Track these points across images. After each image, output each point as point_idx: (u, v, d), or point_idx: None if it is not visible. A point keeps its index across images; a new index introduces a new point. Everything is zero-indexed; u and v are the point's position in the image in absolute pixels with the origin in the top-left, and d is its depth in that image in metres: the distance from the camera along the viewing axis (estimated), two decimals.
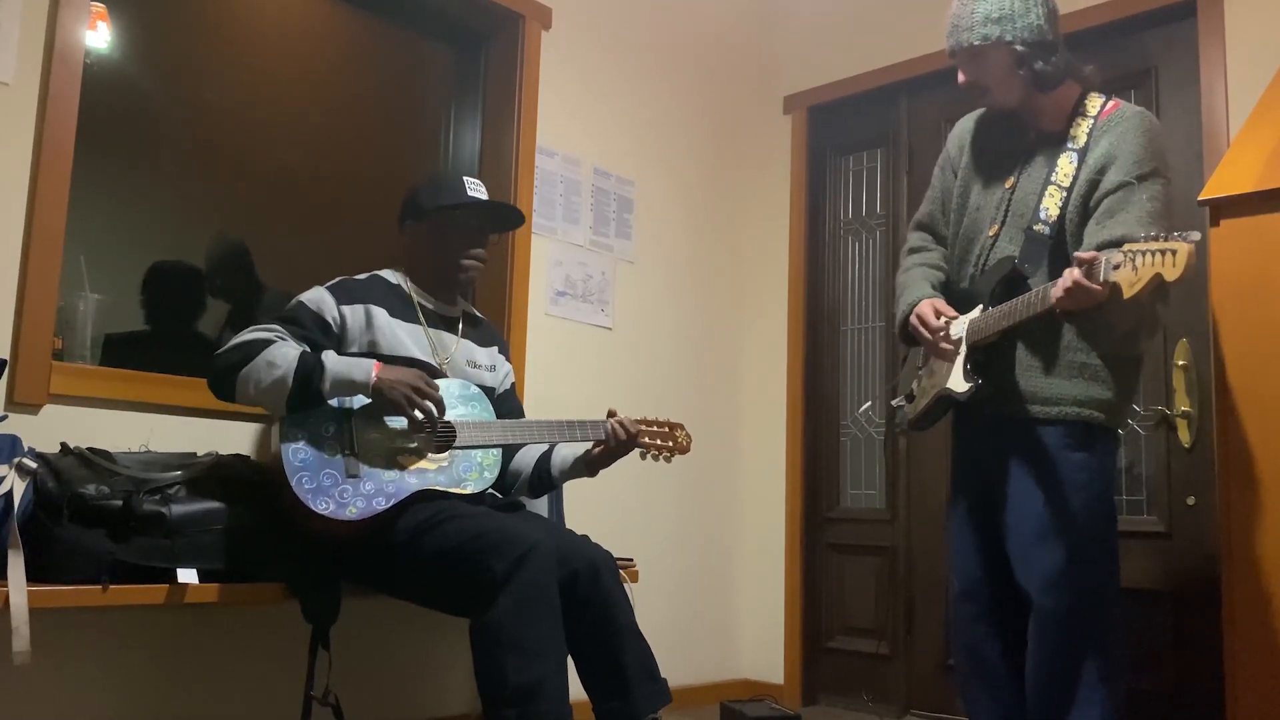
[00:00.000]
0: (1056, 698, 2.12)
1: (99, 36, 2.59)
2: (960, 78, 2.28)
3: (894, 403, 2.45)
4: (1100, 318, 1.99)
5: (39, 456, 2.02)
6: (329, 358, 2.14)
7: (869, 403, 2.60)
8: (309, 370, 2.10)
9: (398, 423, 2.22)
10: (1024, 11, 2.16)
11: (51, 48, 2.30)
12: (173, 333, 2.76)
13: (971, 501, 2.32)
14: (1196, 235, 1.76)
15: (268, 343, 2.15)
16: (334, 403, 2.18)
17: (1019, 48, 2.16)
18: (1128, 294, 1.80)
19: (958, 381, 2.18)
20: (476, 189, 2.44)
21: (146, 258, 2.74)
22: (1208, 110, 2.97)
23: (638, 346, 3.60)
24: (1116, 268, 1.82)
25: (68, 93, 2.32)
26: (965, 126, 2.46)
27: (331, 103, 3.16)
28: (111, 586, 1.94)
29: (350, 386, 2.14)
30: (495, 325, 2.73)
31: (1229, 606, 2.27)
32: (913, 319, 2.27)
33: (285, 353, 2.12)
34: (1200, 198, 2.43)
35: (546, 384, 3.24)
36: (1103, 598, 2.13)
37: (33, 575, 1.87)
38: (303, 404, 2.12)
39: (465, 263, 2.44)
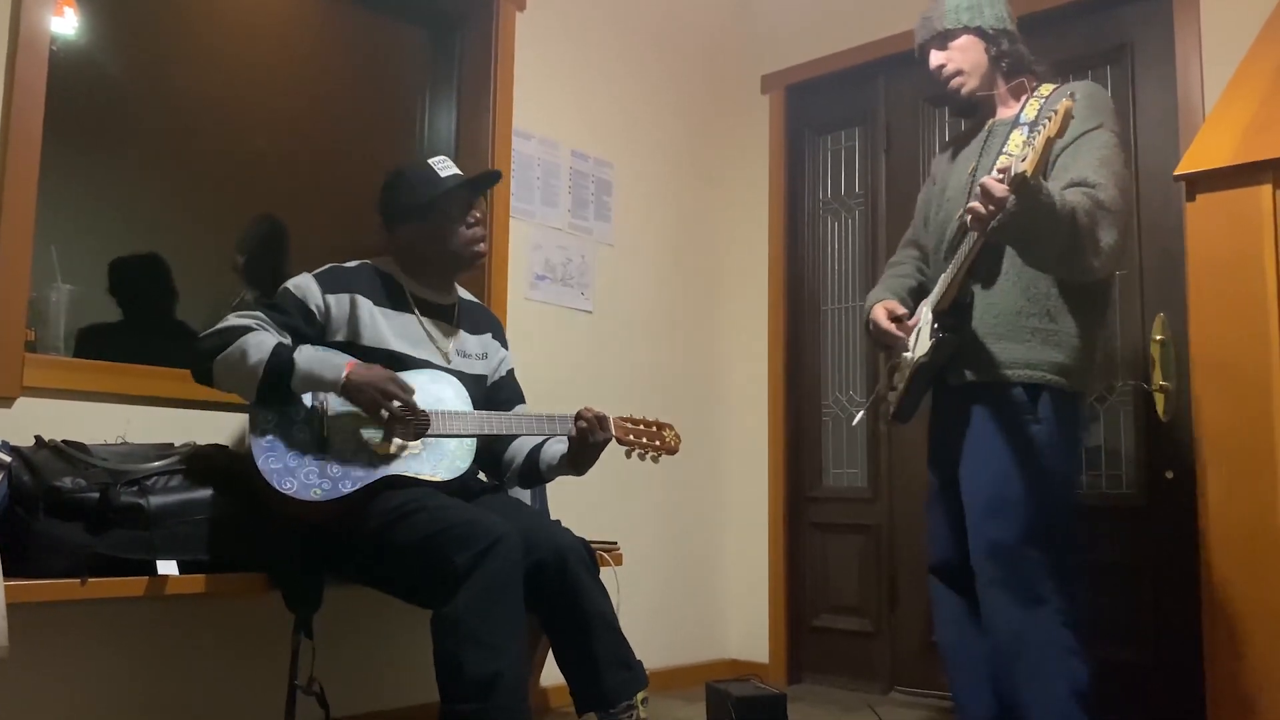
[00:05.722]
0: (1016, 666, 2.13)
1: (66, 22, 2.56)
2: (933, 61, 2.41)
3: (874, 397, 2.49)
4: (1030, 233, 2.02)
5: (13, 450, 2.00)
6: (301, 354, 2.11)
7: (861, 414, 2.76)
8: (279, 365, 2.08)
9: None
10: (990, 2, 2.38)
11: (17, 34, 2.26)
12: (147, 324, 2.73)
13: (942, 478, 2.37)
14: (1076, 95, 1.96)
15: (246, 330, 2.14)
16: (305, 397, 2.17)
17: (989, 32, 2.36)
18: (1031, 169, 1.88)
19: (923, 345, 2.26)
20: (448, 167, 2.42)
21: (119, 247, 2.71)
22: (1183, 85, 2.98)
23: (619, 329, 3.60)
24: (1024, 159, 1.91)
25: (34, 80, 2.28)
26: (946, 148, 2.60)
27: (304, 88, 3.13)
28: (90, 580, 1.92)
29: (319, 384, 2.11)
30: (491, 312, 2.69)
31: (1206, 579, 2.29)
32: (871, 318, 2.41)
33: (261, 342, 2.10)
34: (1176, 172, 2.44)
35: (528, 369, 3.21)
36: (1049, 564, 2.14)
37: (10, 570, 1.85)
38: (272, 397, 2.11)
39: (478, 247, 2.43)
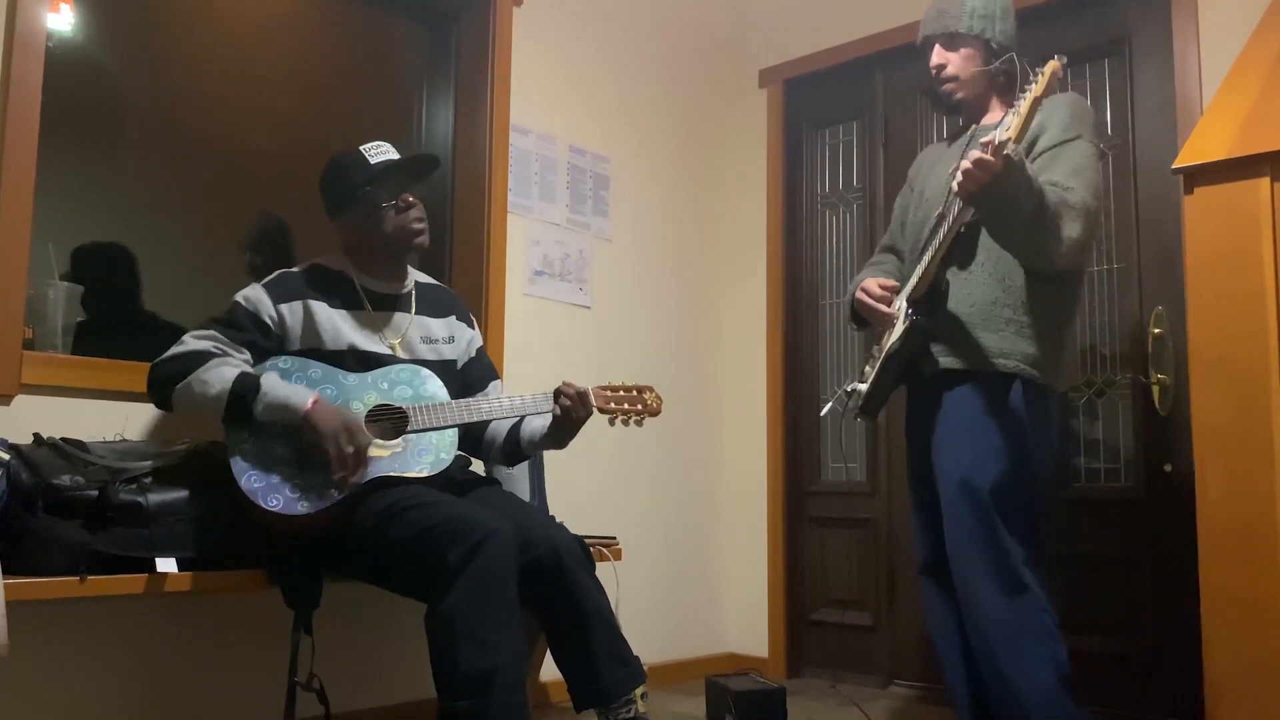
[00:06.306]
0: (1000, 653, 2.15)
1: (62, 19, 2.55)
2: (934, 58, 2.41)
3: (847, 388, 2.49)
4: (1004, 202, 2.04)
5: (12, 448, 1.99)
6: (266, 385, 2.09)
7: (829, 404, 2.73)
8: (243, 396, 2.07)
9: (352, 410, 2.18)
10: (1003, 17, 2.39)
11: (13, 30, 2.26)
12: (110, 315, 2.68)
13: (919, 473, 2.38)
14: (1064, 58, 1.97)
15: (206, 356, 2.11)
16: None
17: (994, 47, 2.38)
18: (1015, 135, 1.93)
19: (896, 332, 2.27)
20: (383, 152, 2.35)
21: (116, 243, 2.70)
22: (1181, 78, 2.98)
23: (617, 325, 3.60)
24: (1008, 129, 1.94)
25: (30, 76, 2.27)
26: (924, 153, 2.64)
27: (301, 84, 3.13)
28: (89, 577, 1.92)
29: (283, 413, 2.08)
30: (452, 291, 2.64)
31: (1204, 572, 2.29)
32: (858, 294, 2.41)
33: (222, 373, 2.09)
34: (1174, 166, 2.44)
35: (527, 365, 3.22)
36: (1026, 551, 2.16)
37: (9, 568, 1.85)
38: (236, 425, 2.10)
39: (414, 226, 2.35)
